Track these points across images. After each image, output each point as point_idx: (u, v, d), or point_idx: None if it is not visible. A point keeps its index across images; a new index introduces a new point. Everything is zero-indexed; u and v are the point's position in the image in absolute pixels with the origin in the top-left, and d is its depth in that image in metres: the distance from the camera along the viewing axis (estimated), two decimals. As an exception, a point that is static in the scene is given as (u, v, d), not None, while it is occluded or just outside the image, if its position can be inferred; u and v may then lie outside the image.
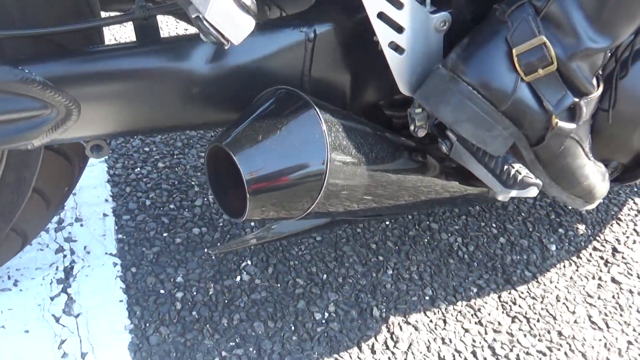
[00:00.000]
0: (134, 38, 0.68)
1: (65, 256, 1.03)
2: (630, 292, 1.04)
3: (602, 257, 1.12)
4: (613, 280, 1.07)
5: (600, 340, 0.95)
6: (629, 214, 1.22)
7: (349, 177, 0.64)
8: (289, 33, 0.70)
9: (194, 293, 0.97)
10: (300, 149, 0.60)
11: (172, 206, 1.15)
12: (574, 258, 1.11)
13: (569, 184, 0.80)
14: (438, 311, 0.98)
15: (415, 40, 0.71)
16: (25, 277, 0.98)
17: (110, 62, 0.64)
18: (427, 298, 1.00)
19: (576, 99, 0.73)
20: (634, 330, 0.97)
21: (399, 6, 0.68)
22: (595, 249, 1.14)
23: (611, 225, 1.20)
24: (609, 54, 0.74)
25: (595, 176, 0.83)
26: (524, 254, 1.10)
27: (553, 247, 1.13)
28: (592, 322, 0.98)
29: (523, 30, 0.68)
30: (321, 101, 0.66)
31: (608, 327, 0.98)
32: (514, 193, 0.74)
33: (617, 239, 1.16)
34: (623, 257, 1.12)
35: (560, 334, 0.96)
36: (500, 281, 1.05)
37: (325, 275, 1.03)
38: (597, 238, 1.16)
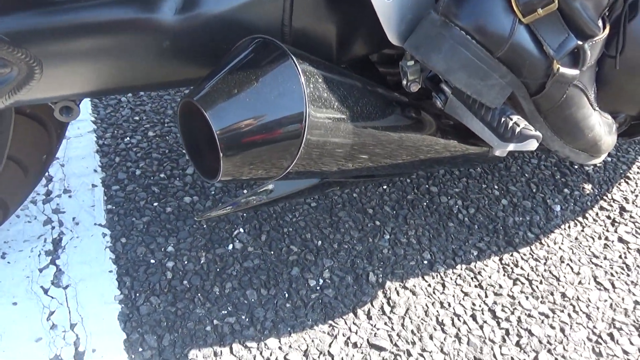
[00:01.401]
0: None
1: (53, 228, 1.00)
2: (638, 251, 1.00)
3: (609, 217, 1.07)
4: (620, 239, 1.03)
5: (605, 301, 0.92)
6: (638, 172, 1.17)
7: (331, 132, 0.60)
8: (266, -22, 0.64)
9: (185, 262, 0.95)
10: (277, 102, 0.56)
11: (162, 175, 1.12)
12: (580, 218, 1.07)
13: (572, 136, 0.75)
14: (436, 275, 0.95)
15: (404, -17, 0.66)
16: (13, 249, 0.96)
17: (72, 14, 0.60)
18: (425, 262, 0.97)
19: (580, 42, 0.67)
20: (642, 290, 0.94)
21: (384, -55, 0.62)
22: (602, 208, 1.09)
23: (619, 183, 1.15)
24: (616, -8, 0.68)
25: (601, 128, 0.78)
26: (527, 216, 1.06)
27: (558, 208, 1.08)
28: (598, 283, 0.95)
29: None
30: (301, 51, 0.61)
31: (614, 287, 0.94)
32: (511, 147, 0.69)
33: (625, 198, 1.11)
34: (631, 216, 1.07)
35: (563, 295, 0.92)
36: (501, 243, 1.01)
37: (320, 242, 1.00)
38: (604, 197, 1.11)
